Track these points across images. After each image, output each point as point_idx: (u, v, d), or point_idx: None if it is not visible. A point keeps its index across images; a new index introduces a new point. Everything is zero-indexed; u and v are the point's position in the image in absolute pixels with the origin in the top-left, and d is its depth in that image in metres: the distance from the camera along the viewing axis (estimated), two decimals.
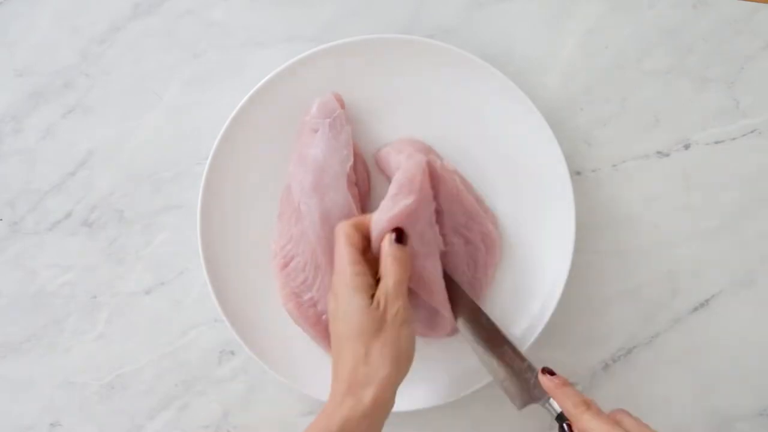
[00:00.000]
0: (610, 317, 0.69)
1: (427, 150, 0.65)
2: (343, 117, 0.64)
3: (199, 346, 0.69)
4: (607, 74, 0.70)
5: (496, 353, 0.62)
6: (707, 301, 0.70)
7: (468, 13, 0.69)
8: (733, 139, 0.70)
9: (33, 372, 0.70)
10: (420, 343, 0.67)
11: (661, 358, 0.69)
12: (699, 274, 0.69)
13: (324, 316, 0.64)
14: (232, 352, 0.69)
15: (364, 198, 0.66)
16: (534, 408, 0.69)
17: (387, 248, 0.57)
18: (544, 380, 0.58)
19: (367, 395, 0.53)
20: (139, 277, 0.70)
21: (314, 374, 0.66)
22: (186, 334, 0.69)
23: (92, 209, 0.70)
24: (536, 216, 0.67)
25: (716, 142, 0.70)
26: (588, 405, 0.54)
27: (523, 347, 0.65)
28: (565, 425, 0.56)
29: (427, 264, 0.60)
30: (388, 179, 0.66)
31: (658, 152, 0.70)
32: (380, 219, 0.58)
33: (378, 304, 0.55)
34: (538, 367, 0.59)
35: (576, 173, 0.69)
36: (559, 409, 0.57)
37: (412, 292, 0.62)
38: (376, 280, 0.57)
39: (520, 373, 0.61)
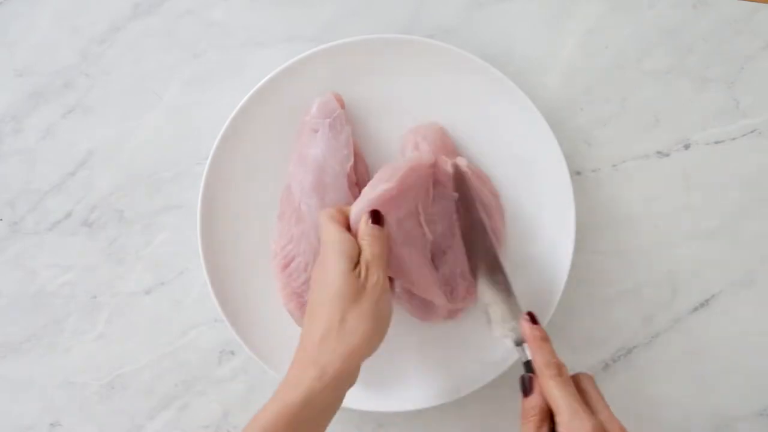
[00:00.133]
0: (610, 317, 0.69)
1: (448, 140, 0.65)
2: (343, 117, 0.64)
3: (199, 346, 0.69)
4: (607, 74, 0.70)
5: (491, 278, 0.61)
6: (707, 301, 0.70)
7: (468, 13, 0.69)
8: (733, 139, 0.70)
9: (33, 372, 0.70)
10: (420, 343, 0.67)
11: (661, 358, 0.69)
12: (699, 274, 0.69)
13: None
14: (232, 352, 0.69)
15: None
16: None
17: (363, 228, 0.57)
18: (525, 327, 0.57)
19: (333, 366, 0.52)
20: (139, 277, 0.70)
21: None
22: (186, 334, 0.69)
23: (92, 209, 0.70)
24: (536, 216, 0.67)
25: (716, 142, 0.70)
26: (559, 370, 0.53)
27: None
28: (527, 377, 0.55)
29: (403, 252, 0.61)
30: None
31: (658, 152, 0.70)
32: (358, 201, 0.59)
33: (359, 272, 0.55)
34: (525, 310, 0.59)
35: (576, 173, 0.69)
36: (530, 357, 0.56)
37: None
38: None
39: (507, 304, 0.60)
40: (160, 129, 0.70)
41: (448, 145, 0.65)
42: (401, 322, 0.67)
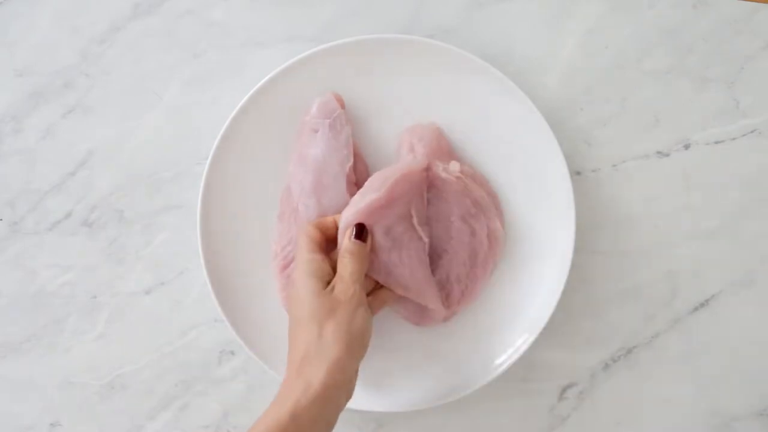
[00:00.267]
0: (610, 317, 0.69)
1: (443, 141, 0.65)
2: (344, 117, 0.64)
3: (199, 346, 0.69)
4: (607, 74, 0.70)
5: None
6: (707, 301, 0.70)
7: (468, 13, 0.69)
8: (733, 139, 0.70)
9: (33, 372, 0.70)
10: (420, 342, 0.67)
11: (661, 358, 0.69)
12: (699, 274, 0.69)
13: None
14: (232, 352, 0.69)
15: None
16: (534, 408, 0.70)
17: (345, 244, 0.59)
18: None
19: (317, 378, 0.53)
20: (139, 277, 0.70)
21: None
22: (186, 334, 0.69)
23: (92, 209, 0.70)
24: (536, 216, 0.67)
25: (716, 142, 0.70)
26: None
27: (524, 347, 0.65)
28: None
29: (393, 258, 0.61)
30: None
31: (658, 152, 0.70)
32: (346, 213, 0.60)
33: (332, 288, 0.57)
34: None
35: (576, 173, 0.69)
36: None
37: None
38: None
39: None
40: (160, 129, 0.70)
41: (443, 146, 0.65)
42: (401, 323, 0.67)
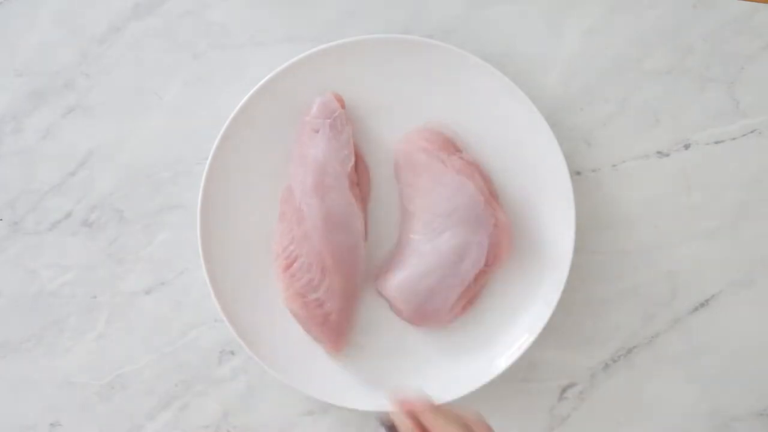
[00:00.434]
0: (610, 317, 0.69)
1: (445, 141, 0.65)
2: (344, 117, 0.64)
3: (199, 346, 0.69)
4: (607, 74, 0.70)
5: None
6: (707, 301, 0.69)
7: (468, 13, 0.69)
8: (733, 139, 0.70)
9: (33, 372, 0.70)
10: (420, 342, 0.67)
11: (661, 358, 0.69)
12: (699, 274, 0.69)
13: (331, 316, 0.64)
14: (232, 352, 0.69)
15: (365, 198, 0.66)
16: (534, 408, 0.70)
17: None
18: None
19: None
20: (139, 277, 0.70)
21: (314, 374, 0.66)
22: (186, 334, 0.69)
23: (92, 209, 0.70)
24: (536, 216, 0.67)
25: (716, 142, 0.70)
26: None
27: (524, 347, 0.65)
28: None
29: None
30: (396, 175, 0.66)
31: (658, 152, 0.70)
32: None
33: None
34: None
35: (576, 173, 0.69)
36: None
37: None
38: None
39: None
40: (160, 129, 0.70)
41: (449, 140, 0.66)
42: (401, 323, 0.67)
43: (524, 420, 0.69)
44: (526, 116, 0.65)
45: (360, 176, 0.66)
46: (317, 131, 0.64)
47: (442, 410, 0.50)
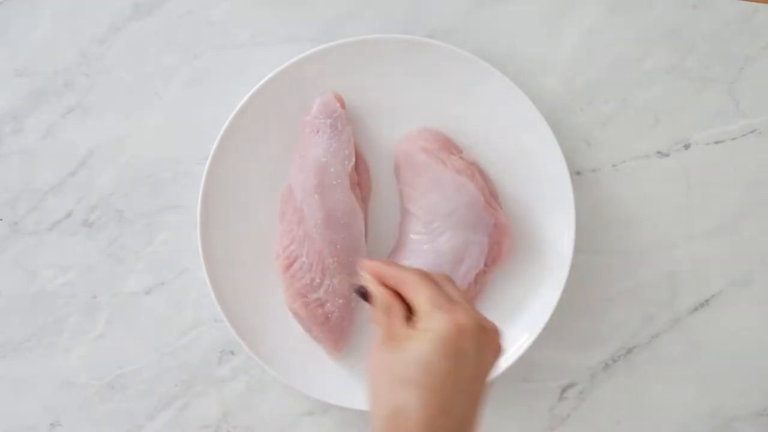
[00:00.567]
0: (610, 317, 0.69)
1: (446, 141, 0.65)
2: (344, 117, 0.64)
3: (199, 346, 0.69)
4: (607, 74, 0.70)
5: None
6: (707, 301, 0.70)
7: (468, 13, 0.69)
8: (733, 139, 0.70)
9: (33, 372, 0.70)
10: None
11: (661, 358, 0.69)
12: (699, 274, 0.69)
13: (331, 317, 0.64)
14: (232, 352, 0.69)
15: (365, 198, 0.66)
16: (534, 408, 0.70)
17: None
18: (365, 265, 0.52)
19: None
20: (139, 277, 0.70)
21: (314, 374, 0.66)
22: (186, 334, 0.69)
23: (92, 209, 0.70)
24: (536, 216, 0.67)
25: (716, 142, 0.70)
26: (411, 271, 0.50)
27: (524, 347, 0.65)
28: (359, 286, 0.51)
29: None
30: (396, 175, 0.66)
31: (658, 152, 0.70)
32: None
33: None
34: None
35: (576, 173, 0.69)
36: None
37: None
38: None
39: None
40: (160, 129, 0.70)
41: (449, 141, 0.66)
42: None
43: (524, 420, 0.69)
44: (526, 116, 0.65)
45: (360, 176, 0.66)
46: (318, 131, 0.64)
47: (407, 267, 0.50)
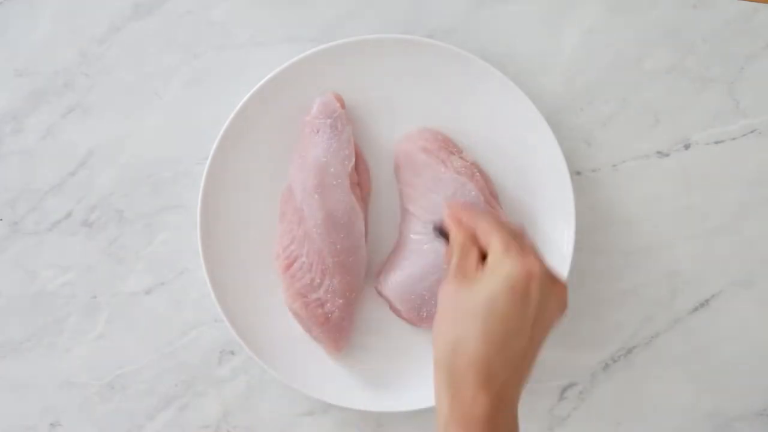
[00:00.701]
0: (610, 317, 0.69)
1: (446, 141, 0.65)
2: (344, 117, 0.64)
3: (199, 346, 0.69)
4: (607, 74, 0.70)
5: None
6: (707, 301, 0.70)
7: (468, 13, 0.69)
8: (733, 139, 0.70)
9: (33, 372, 0.70)
10: (420, 342, 0.67)
11: (661, 358, 0.69)
12: (699, 274, 0.69)
13: (331, 316, 0.64)
14: (232, 352, 0.69)
15: (365, 198, 0.66)
16: (534, 408, 0.70)
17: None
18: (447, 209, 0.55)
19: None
20: (139, 277, 0.70)
21: (314, 374, 0.66)
22: (186, 334, 0.69)
23: (92, 209, 0.70)
24: (536, 216, 0.67)
25: (716, 142, 0.70)
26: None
27: None
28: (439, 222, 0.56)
29: None
30: (396, 175, 0.66)
31: (658, 152, 0.70)
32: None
33: None
34: None
35: (576, 173, 0.69)
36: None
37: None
38: None
39: None
40: (160, 129, 0.70)
41: (448, 141, 0.66)
42: (401, 323, 0.67)
43: (524, 420, 0.69)
44: (526, 116, 0.65)
45: (360, 176, 0.66)
46: (318, 131, 0.64)
47: (486, 213, 0.54)
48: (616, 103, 0.70)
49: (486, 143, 0.67)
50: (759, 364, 0.69)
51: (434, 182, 0.64)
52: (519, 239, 0.51)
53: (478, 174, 0.65)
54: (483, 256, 0.51)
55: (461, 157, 0.65)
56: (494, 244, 0.50)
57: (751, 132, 0.70)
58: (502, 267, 0.48)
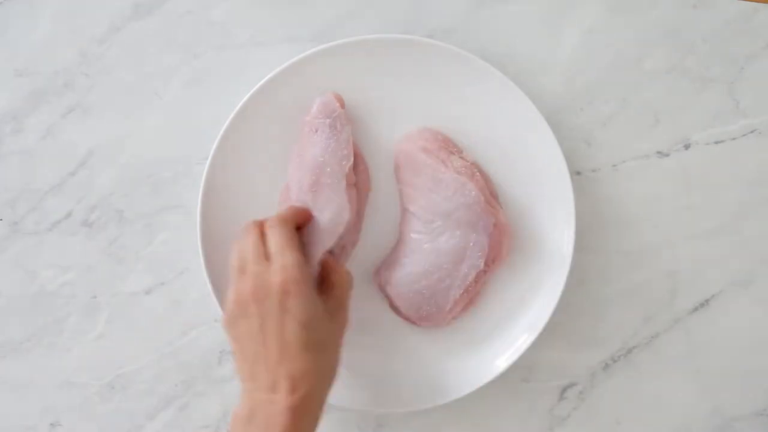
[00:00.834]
0: (610, 317, 0.69)
1: (446, 141, 0.65)
2: (344, 116, 0.64)
3: (199, 346, 0.69)
4: (607, 74, 0.70)
5: None
6: (707, 301, 0.70)
7: (468, 13, 0.69)
8: (733, 139, 0.70)
9: (33, 372, 0.70)
10: (420, 342, 0.67)
11: (661, 358, 0.69)
12: (699, 274, 0.69)
13: None
14: (232, 352, 0.69)
15: (365, 198, 0.66)
16: (534, 408, 0.70)
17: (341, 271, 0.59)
18: None
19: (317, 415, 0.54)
20: (139, 277, 0.70)
21: None
22: (186, 334, 0.69)
23: (92, 209, 0.70)
24: (536, 216, 0.67)
25: (716, 142, 0.70)
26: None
27: (523, 347, 0.65)
28: None
29: None
30: (396, 175, 0.66)
31: (658, 152, 0.70)
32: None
33: (332, 318, 0.56)
34: None
35: (576, 173, 0.69)
36: None
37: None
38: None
39: None
40: (160, 129, 0.70)
41: (448, 141, 0.66)
42: (401, 323, 0.67)
43: (524, 420, 0.69)
44: (526, 116, 0.65)
45: (359, 176, 0.66)
46: (317, 131, 0.64)
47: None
48: (616, 103, 0.70)
49: (486, 143, 0.67)
50: (759, 364, 0.69)
51: (434, 182, 0.64)
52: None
53: (478, 174, 0.65)
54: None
55: (461, 157, 0.65)
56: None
57: (751, 132, 0.70)
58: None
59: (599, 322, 0.69)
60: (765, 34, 0.70)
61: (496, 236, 0.64)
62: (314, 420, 0.52)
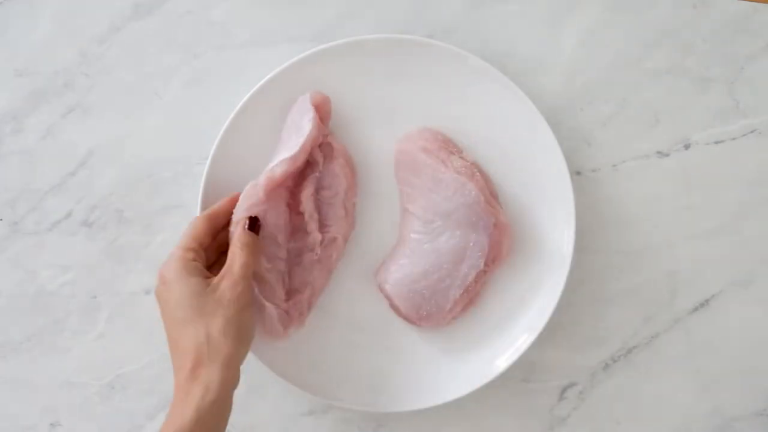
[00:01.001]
0: (610, 317, 0.69)
1: (446, 141, 0.66)
2: (315, 118, 0.63)
3: None
4: (607, 74, 0.70)
5: None
6: (707, 301, 0.70)
7: (468, 13, 0.69)
8: (733, 139, 0.70)
9: (33, 372, 0.70)
10: (420, 342, 0.67)
11: (661, 358, 0.69)
12: (699, 274, 0.69)
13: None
14: None
15: (351, 193, 0.65)
16: (534, 408, 0.70)
17: (238, 234, 0.59)
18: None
19: (215, 380, 0.53)
20: (139, 277, 0.70)
21: (314, 374, 0.66)
22: None
23: (92, 209, 0.70)
24: (536, 216, 0.67)
25: (716, 142, 0.70)
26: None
27: (523, 347, 0.65)
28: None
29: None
30: (396, 175, 0.66)
31: (658, 152, 0.70)
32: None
33: (217, 286, 0.56)
34: None
35: (576, 173, 0.69)
36: None
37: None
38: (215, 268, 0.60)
39: None
40: (160, 129, 0.70)
41: (448, 141, 0.66)
42: (401, 323, 0.67)
43: (524, 420, 0.69)
44: (526, 116, 0.65)
45: (340, 170, 0.64)
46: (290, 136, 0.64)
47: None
48: (616, 103, 0.70)
49: (486, 143, 0.67)
50: (759, 364, 0.69)
51: (434, 182, 0.64)
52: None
53: (478, 174, 0.65)
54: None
55: (461, 157, 0.65)
56: None
57: (751, 132, 0.70)
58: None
59: (599, 322, 0.69)
60: (765, 34, 0.70)
61: (496, 236, 0.64)
62: (220, 382, 0.54)
